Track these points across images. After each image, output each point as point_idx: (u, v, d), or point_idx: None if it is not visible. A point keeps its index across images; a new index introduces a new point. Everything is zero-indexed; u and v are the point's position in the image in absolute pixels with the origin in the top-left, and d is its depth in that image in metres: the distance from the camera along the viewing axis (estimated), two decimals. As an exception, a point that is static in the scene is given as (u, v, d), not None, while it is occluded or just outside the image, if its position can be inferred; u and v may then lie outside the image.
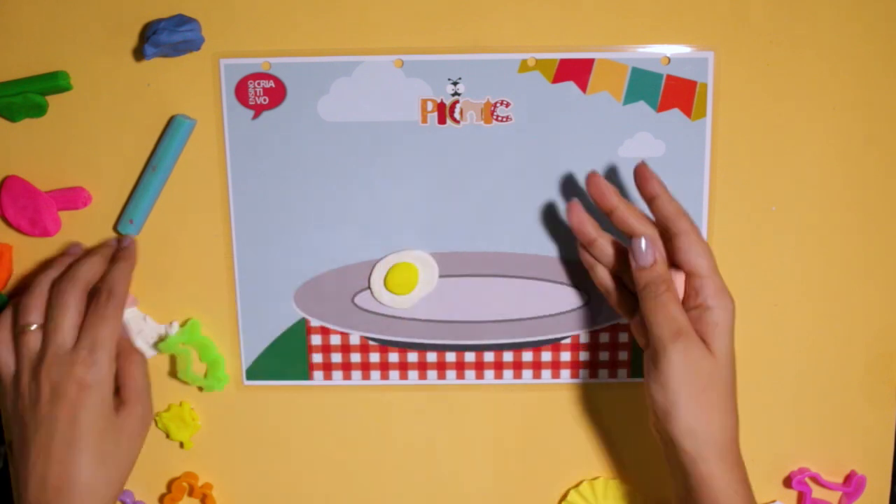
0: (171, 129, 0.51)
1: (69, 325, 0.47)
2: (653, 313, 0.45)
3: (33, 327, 0.47)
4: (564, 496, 0.57)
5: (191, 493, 0.57)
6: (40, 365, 0.46)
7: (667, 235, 0.47)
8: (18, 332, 0.48)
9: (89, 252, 0.51)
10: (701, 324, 0.45)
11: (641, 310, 0.46)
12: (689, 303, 0.46)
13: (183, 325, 0.54)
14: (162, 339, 0.54)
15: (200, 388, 0.55)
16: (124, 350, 0.50)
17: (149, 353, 0.54)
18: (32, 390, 0.46)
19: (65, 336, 0.46)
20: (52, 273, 0.50)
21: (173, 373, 0.55)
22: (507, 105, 0.52)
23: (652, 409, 0.46)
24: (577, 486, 0.56)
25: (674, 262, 0.47)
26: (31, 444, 0.45)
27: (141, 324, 0.54)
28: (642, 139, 0.52)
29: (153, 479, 0.57)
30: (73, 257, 0.51)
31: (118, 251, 0.51)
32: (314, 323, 0.55)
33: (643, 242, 0.46)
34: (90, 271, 0.49)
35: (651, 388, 0.46)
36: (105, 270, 0.49)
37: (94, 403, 0.46)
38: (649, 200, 0.47)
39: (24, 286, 0.51)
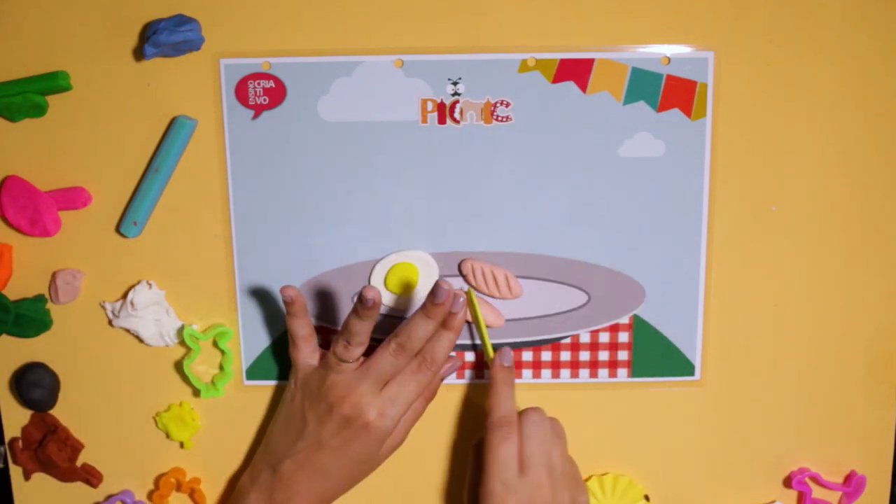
0: (174, 130, 0.51)
1: (385, 378, 0.50)
2: None
3: (351, 363, 0.50)
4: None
5: (178, 489, 0.57)
6: (345, 399, 0.49)
7: None
8: (336, 358, 0.50)
9: (424, 312, 0.50)
10: None
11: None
12: None
13: (213, 329, 0.54)
14: (179, 330, 0.54)
15: (197, 393, 0.55)
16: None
17: (159, 342, 0.54)
18: (323, 406, 0.50)
19: (377, 384, 0.50)
20: (426, 325, 0.50)
21: (179, 364, 0.55)
22: (507, 105, 0.52)
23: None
24: (585, 480, 0.56)
25: None
26: (301, 440, 0.51)
27: (161, 314, 0.54)
28: (642, 139, 0.52)
29: (153, 479, 0.57)
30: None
31: (449, 314, 0.50)
32: (314, 323, 0.55)
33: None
34: (424, 339, 0.50)
35: None
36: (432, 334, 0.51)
37: (368, 440, 0.50)
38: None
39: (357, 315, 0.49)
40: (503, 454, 0.48)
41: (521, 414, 0.50)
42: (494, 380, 0.51)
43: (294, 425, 0.51)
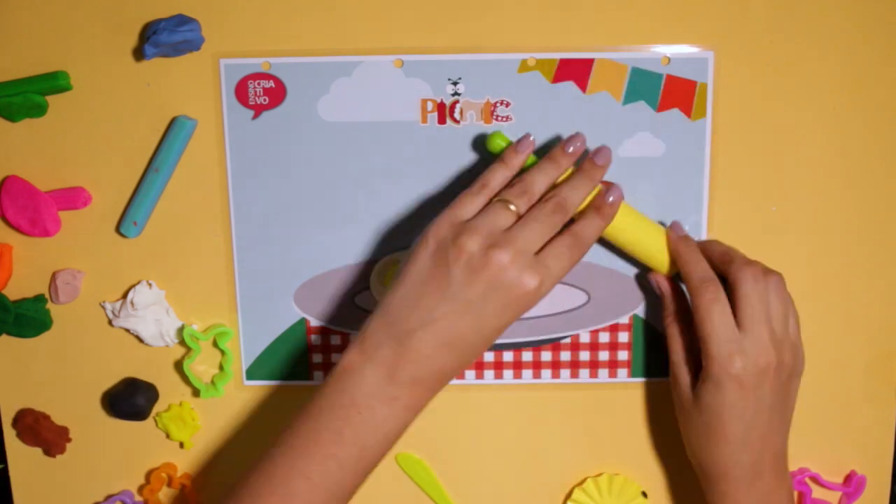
0: (174, 130, 0.51)
1: (541, 239, 0.45)
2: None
3: (512, 207, 0.45)
4: (569, 495, 0.57)
5: (169, 484, 0.57)
6: (495, 248, 0.44)
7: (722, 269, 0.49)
8: (498, 200, 0.46)
9: (582, 172, 0.48)
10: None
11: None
12: None
13: (213, 329, 0.54)
14: (179, 330, 0.54)
15: (196, 393, 0.55)
16: None
17: (159, 342, 0.54)
18: (473, 260, 0.44)
19: (534, 244, 0.45)
20: (553, 172, 0.47)
21: (179, 364, 0.56)
22: (507, 105, 0.52)
23: None
24: (581, 483, 0.56)
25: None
26: (442, 303, 0.44)
27: (161, 314, 0.54)
28: (642, 139, 0.52)
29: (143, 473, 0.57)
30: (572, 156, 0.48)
31: (602, 198, 0.48)
32: (314, 323, 0.55)
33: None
34: (579, 199, 0.47)
35: None
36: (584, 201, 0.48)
37: (521, 308, 0.45)
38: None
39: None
40: (716, 316, 0.46)
41: (734, 271, 0.48)
42: (677, 251, 0.50)
43: (431, 286, 0.44)
